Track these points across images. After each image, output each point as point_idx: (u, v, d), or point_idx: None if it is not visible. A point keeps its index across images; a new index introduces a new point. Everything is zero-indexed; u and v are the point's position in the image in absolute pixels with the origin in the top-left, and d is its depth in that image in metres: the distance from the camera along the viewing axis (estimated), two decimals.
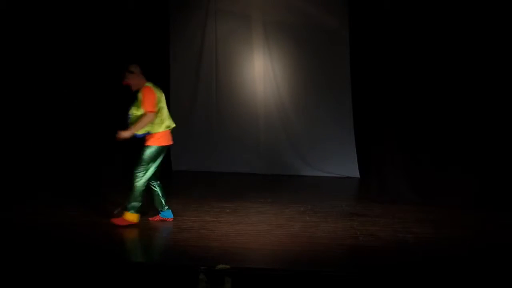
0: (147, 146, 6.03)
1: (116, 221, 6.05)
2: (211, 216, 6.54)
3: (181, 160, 9.45)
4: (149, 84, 6.10)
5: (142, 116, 5.93)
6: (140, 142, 6.07)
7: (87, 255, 5.10)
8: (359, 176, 9.09)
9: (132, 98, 8.54)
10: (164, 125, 6.09)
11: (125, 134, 5.91)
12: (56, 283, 4.75)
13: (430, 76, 7.24)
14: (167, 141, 6.13)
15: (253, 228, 6.10)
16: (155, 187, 6.23)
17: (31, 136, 7.74)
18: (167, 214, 6.30)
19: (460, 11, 7.09)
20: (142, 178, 5.98)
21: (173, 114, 9.35)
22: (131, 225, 5.98)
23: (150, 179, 6.09)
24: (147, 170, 6.00)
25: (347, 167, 9.14)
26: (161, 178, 6.22)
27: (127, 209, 6.01)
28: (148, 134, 6.03)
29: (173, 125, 6.21)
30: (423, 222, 6.45)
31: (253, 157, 9.32)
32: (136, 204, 5.99)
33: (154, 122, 6.02)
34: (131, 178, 5.98)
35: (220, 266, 4.71)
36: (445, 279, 4.78)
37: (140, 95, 6.02)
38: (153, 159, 6.01)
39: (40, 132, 7.77)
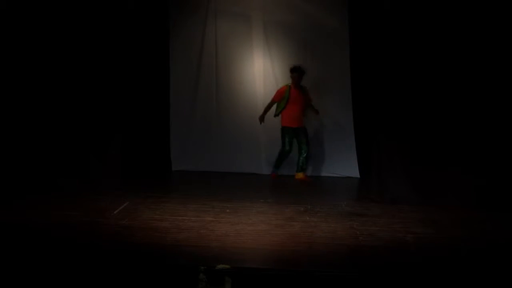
0: None
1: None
2: (211, 216, 6.53)
3: (181, 160, 9.44)
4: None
5: None
6: None
7: (87, 255, 5.09)
8: (359, 176, 9.10)
9: (132, 98, 8.63)
10: None
11: None
12: (57, 283, 4.74)
13: (430, 76, 7.24)
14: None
15: (253, 228, 6.09)
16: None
17: (29, 133, 7.73)
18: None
19: (460, 11, 7.09)
20: None
21: (173, 114, 9.49)
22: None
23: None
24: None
25: (347, 167, 9.14)
26: (160, 178, 6.20)
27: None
28: None
29: None
30: (423, 222, 6.44)
31: (253, 157, 9.32)
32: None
33: None
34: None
35: (220, 266, 4.71)
36: (445, 279, 4.78)
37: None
38: None
39: (38, 131, 7.76)
